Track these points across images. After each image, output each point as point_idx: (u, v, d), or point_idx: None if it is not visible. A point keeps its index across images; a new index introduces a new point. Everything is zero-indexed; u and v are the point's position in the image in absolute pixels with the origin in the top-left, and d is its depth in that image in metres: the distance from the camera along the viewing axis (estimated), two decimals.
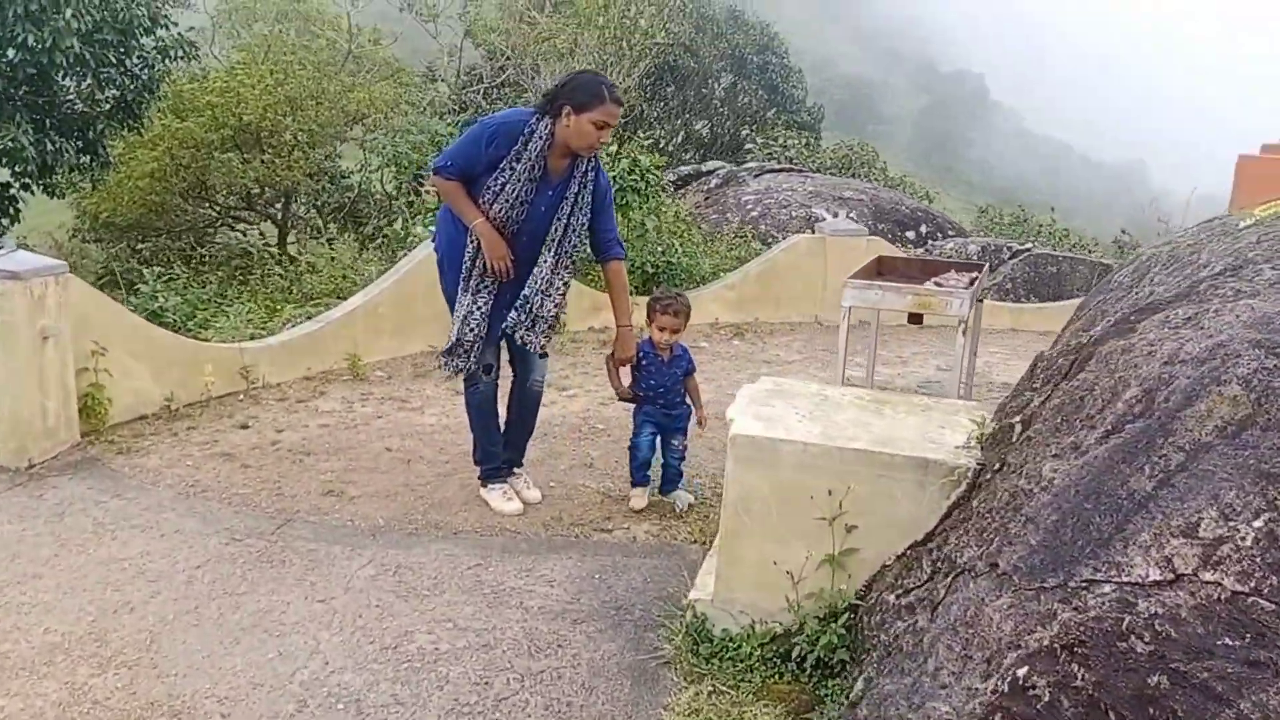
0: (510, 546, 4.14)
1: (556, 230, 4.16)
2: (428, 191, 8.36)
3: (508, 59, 14.72)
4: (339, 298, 7.47)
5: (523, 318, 4.21)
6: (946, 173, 53.63)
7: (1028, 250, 9.49)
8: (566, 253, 4.25)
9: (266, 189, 12.89)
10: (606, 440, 5.53)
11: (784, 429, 3.20)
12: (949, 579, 2.81)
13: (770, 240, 10.08)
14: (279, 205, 13.45)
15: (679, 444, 4.53)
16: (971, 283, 4.16)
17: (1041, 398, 2.86)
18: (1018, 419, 2.91)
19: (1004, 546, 2.51)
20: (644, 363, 4.44)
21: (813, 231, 8.79)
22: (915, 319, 4.17)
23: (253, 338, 6.52)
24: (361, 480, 4.80)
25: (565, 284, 4.33)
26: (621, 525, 4.41)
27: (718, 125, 23.17)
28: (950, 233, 11.13)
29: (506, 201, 4.05)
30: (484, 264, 4.10)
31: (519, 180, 4.00)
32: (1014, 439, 2.87)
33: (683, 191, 13.67)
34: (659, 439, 4.53)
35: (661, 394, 4.45)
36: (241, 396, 5.89)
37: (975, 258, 9.49)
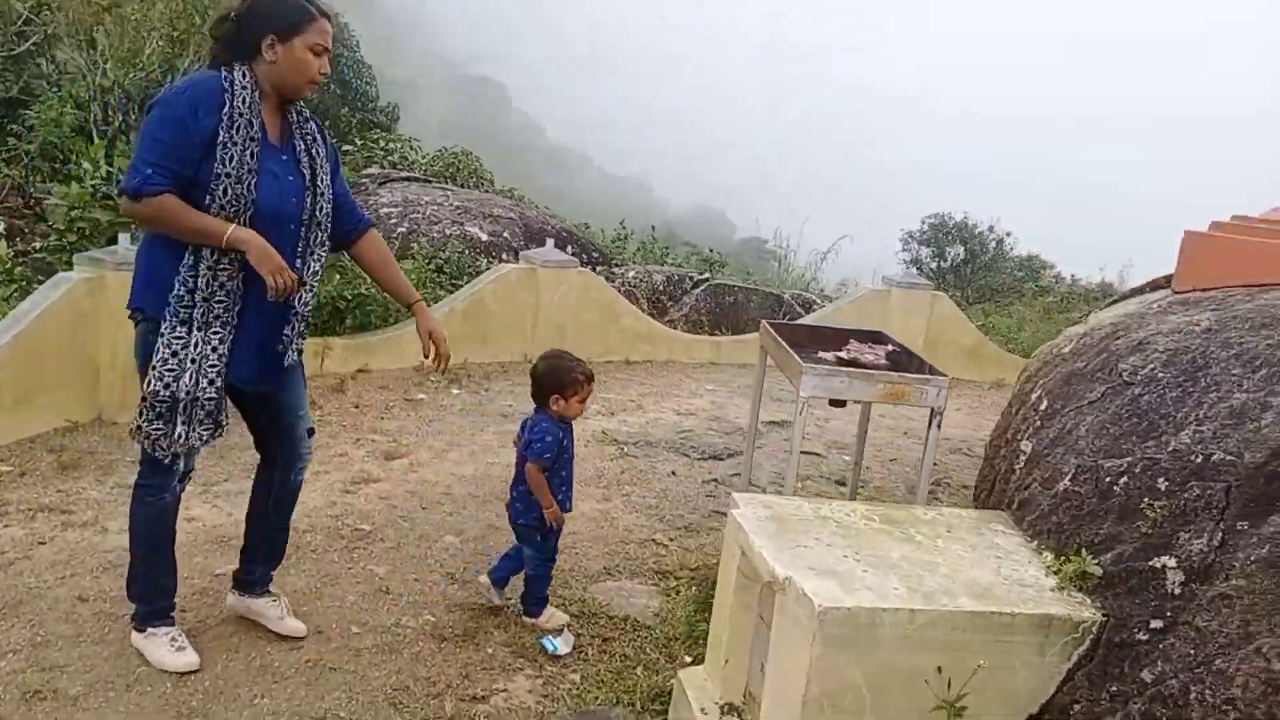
0: None
1: (305, 205, 3.09)
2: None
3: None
4: None
5: (292, 334, 3.14)
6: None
7: (707, 280, 9.36)
8: (324, 229, 3.17)
9: None
10: (384, 546, 4.27)
11: (872, 592, 2.41)
12: None
13: (433, 260, 8.95)
14: None
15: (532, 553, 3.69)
16: (889, 355, 3.66)
17: (1211, 539, 2.36)
18: (1167, 561, 2.40)
19: None
20: (566, 443, 3.62)
21: (516, 260, 7.87)
22: (838, 403, 3.58)
23: None
24: (69, 661, 3.16)
25: (317, 271, 3.22)
26: (494, 687, 3.30)
27: None
28: (594, 254, 10.77)
29: (248, 186, 2.91)
30: (216, 291, 2.93)
31: (246, 151, 2.91)
32: (1170, 590, 2.35)
33: None
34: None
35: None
36: None
37: (660, 287, 9.18)
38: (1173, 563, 2.38)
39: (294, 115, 3.10)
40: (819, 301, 9.94)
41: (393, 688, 3.23)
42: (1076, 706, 2.41)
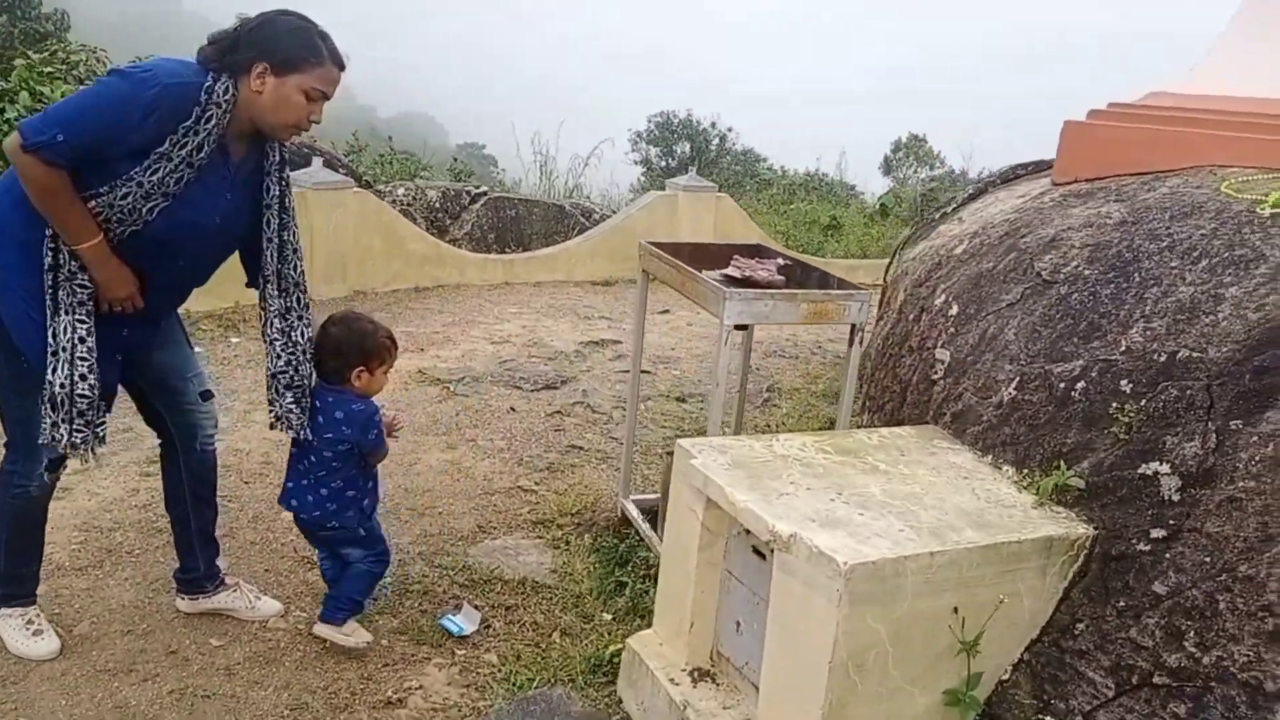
0: None
1: (270, 256, 2.74)
2: None
3: None
4: None
5: (279, 391, 2.82)
6: None
7: (485, 194, 8.76)
8: (296, 284, 2.81)
9: None
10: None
11: (885, 539, 2.20)
12: (1141, 690, 2.20)
13: None
14: None
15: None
16: (782, 270, 3.43)
17: (1205, 441, 2.32)
18: (1159, 468, 2.34)
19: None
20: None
21: None
22: (741, 327, 3.31)
23: None
24: None
25: (307, 337, 2.85)
26: (405, 685, 2.87)
27: None
28: (343, 172, 9.91)
29: (148, 209, 2.49)
30: (77, 273, 2.52)
31: (173, 175, 2.48)
32: (1167, 497, 2.31)
33: None
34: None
35: None
36: None
37: (436, 204, 8.49)
38: (1165, 468, 2.33)
39: (273, 152, 2.68)
40: (599, 210, 9.64)
41: (288, 707, 2.73)
42: (1080, 624, 2.34)
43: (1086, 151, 3.42)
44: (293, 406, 2.79)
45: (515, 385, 5.52)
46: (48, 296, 2.50)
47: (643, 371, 5.87)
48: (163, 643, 2.97)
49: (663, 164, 25.35)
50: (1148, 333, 2.60)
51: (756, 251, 3.61)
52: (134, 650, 2.93)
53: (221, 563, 3.20)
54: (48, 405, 2.55)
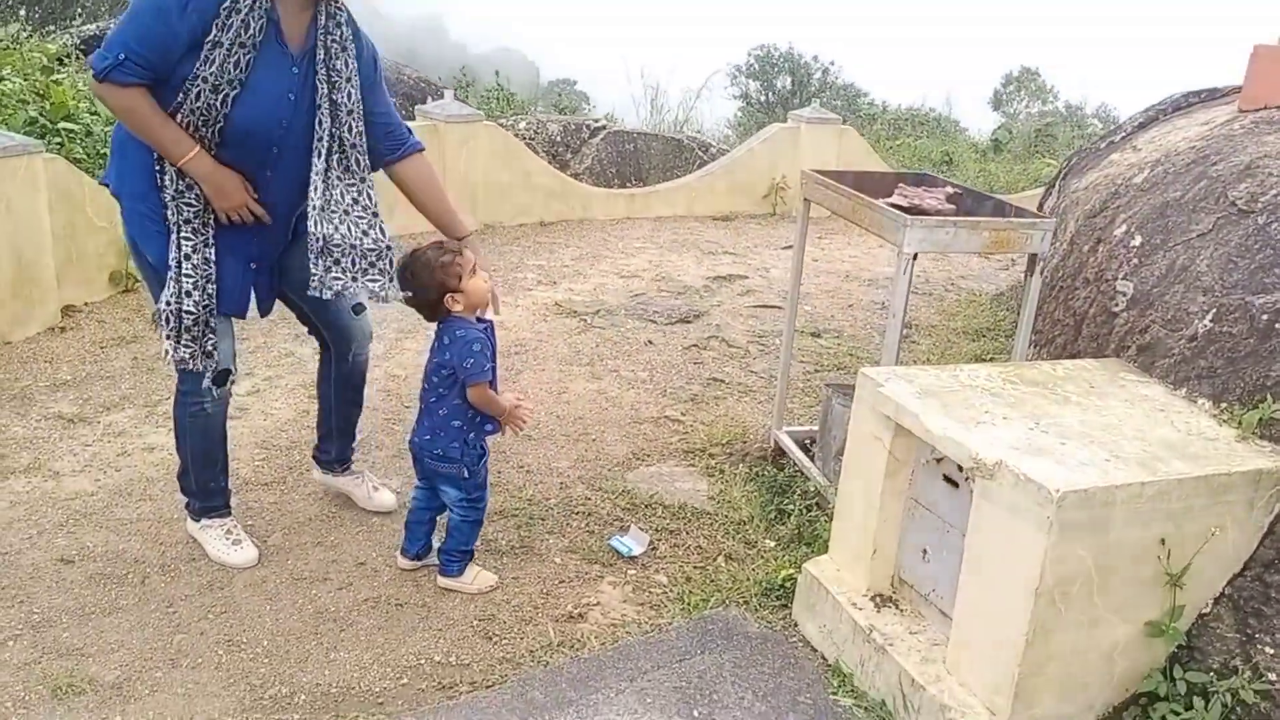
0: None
1: (322, 124, 2.73)
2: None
3: None
4: None
5: (314, 260, 2.78)
6: None
7: (604, 128, 8.76)
8: (349, 153, 2.81)
9: None
10: (384, 455, 3.79)
11: (1093, 468, 2.18)
12: None
13: None
14: None
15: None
16: (951, 198, 3.37)
17: None
18: None
19: None
20: (491, 346, 2.89)
21: (413, 118, 7.05)
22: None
23: None
24: (86, 642, 2.62)
25: (367, 197, 2.85)
26: (583, 601, 2.97)
27: None
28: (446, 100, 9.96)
29: (223, 99, 2.58)
30: (181, 192, 2.67)
31: (233, 57, 2.56)
32: None
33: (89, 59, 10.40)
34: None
35: None
36: None
37: (558, 138, 8.52)
38: None
39: (323, 18, 2.68)
40: (715, 144, 9.56)
41: (477, 618, 2.85)
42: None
43: (1277, 78, 3.26)
44: (331, 268, 2.78)
45: (649, 319, 5.56)
46: (171, 222, 2.68)
47: (775, 307, 5.87)
48: (352, 554, 3.12)
49: (762, 98, 24.90)
50: None
51: (921, 180, 3.54)
52: (326, 560, 3.08)
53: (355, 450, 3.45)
54: (161, 321, 2.72)
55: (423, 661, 2.65)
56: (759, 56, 25.45)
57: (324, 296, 2.81)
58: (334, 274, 2.79)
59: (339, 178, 2.79)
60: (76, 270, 4.98)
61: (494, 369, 2.87)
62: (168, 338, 2.76)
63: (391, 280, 2.87)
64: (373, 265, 2.85)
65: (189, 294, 2.71)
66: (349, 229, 2.80)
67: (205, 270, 2.72)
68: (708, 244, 7.43)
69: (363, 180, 2.84)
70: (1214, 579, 2.34)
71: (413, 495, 3.07)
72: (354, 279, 2.83)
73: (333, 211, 2.76)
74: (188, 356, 2.77)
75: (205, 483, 3.06)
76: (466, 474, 2.91)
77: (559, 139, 8.48)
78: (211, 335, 2.79)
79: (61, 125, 5.50)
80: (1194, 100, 4.05)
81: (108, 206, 5.09)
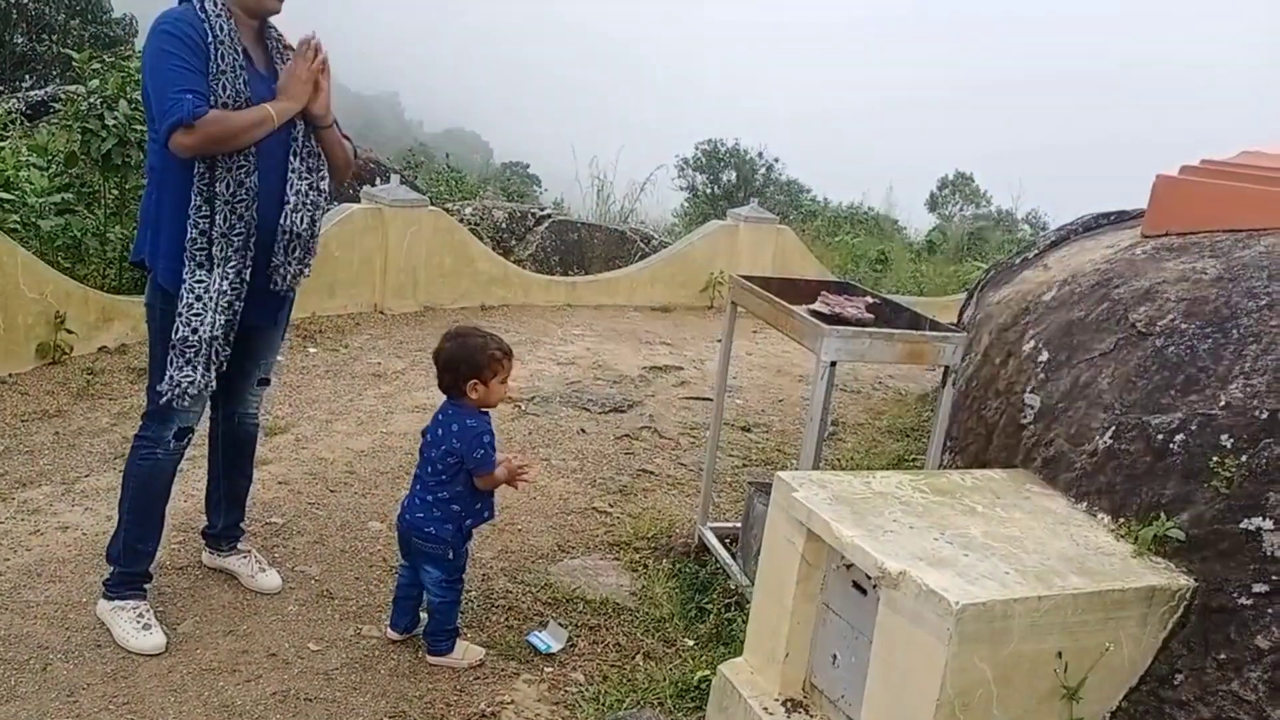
0: None
1: (297, 125, 2.99)
2: None
3: None
4: None
5: (280, 252, 3.01)
6: None
7: (549, 217, 8.91)
8: (315, 153, 3.06)
9: None
10: (306, 541, 3.76)
11: (993, 581, 2.26)
12: None
13: None
14: None
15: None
16: (871, 308, 3.50)
17: None
18: (1261, 524, 2.38)
19: None
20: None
21: (358, 200, 7.12)
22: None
23: None
24: None
25: (323, 178, 3.08)
26: (496, 699, 2.95)
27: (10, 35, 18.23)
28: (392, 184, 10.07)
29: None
30: (235, 224, 2.86)
31: (238, 79, 2.84)
32: (1270, 553, 2.34)
33: (36, 124, 10.34)
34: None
35: None
36: None
37: (503, 224, 8.64)
38: (1269, 524, 2.37)
39: (272, 41, 3.01)
40: (658, 236, 9.75)
41: (387, 715, 2.82)
42: (1179, 675, 2.38)
43: (1178, 205, 3.47)
44: (288, 263, 3.03)
45: (583, 407, 5.61)
46: (200, 260, 2.83)
47: (707, 399, 5.96)
48: (264, 644, 3.07)
49: (708, 191, 25.46)
50: (1248, 389, 2.64)
51: (844, 289, 3.68)
52: (236, 650, 3.03)
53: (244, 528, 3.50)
54: (199, 356, 2.85)
55: None
56: (705, 151, 26.10)
57: (279, 288, 3.03)
58: (293, 266, 3.03)
59: (309, 170, 3.01)
60: (4, 341, 4.91)
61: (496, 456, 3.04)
62: (184, 367, 2.85)
63: (305, 270, 3.12)
64: (309, 248, 3.08)
65: (216, 319, 2.85)
66: (306, 221, 3.02)
67: (241, 291, 2.90)
68: (645, 334, 7.55)
69: (320, 160, 3.06)
70: (1110, 693, 2.41)
71: (399, 573, 3.18)
72: (301, 271, 3.08)
73: (300, 204, 2.99)
74: (200, 378, 2.87)
75: (133, 544, 3.06)
76: (451, 555, 3.02)
77: (504, 225, 8.61)
78: (224, 354, 2.92)
79: None
80: (1103, 222, 4.27)
81: (40, 277, 5.05)
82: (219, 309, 2.85)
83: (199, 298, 2.83)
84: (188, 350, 2.85)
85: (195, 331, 2.84)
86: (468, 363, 2.95)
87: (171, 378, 2.86)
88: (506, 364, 3.01)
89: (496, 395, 3.02)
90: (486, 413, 3.04)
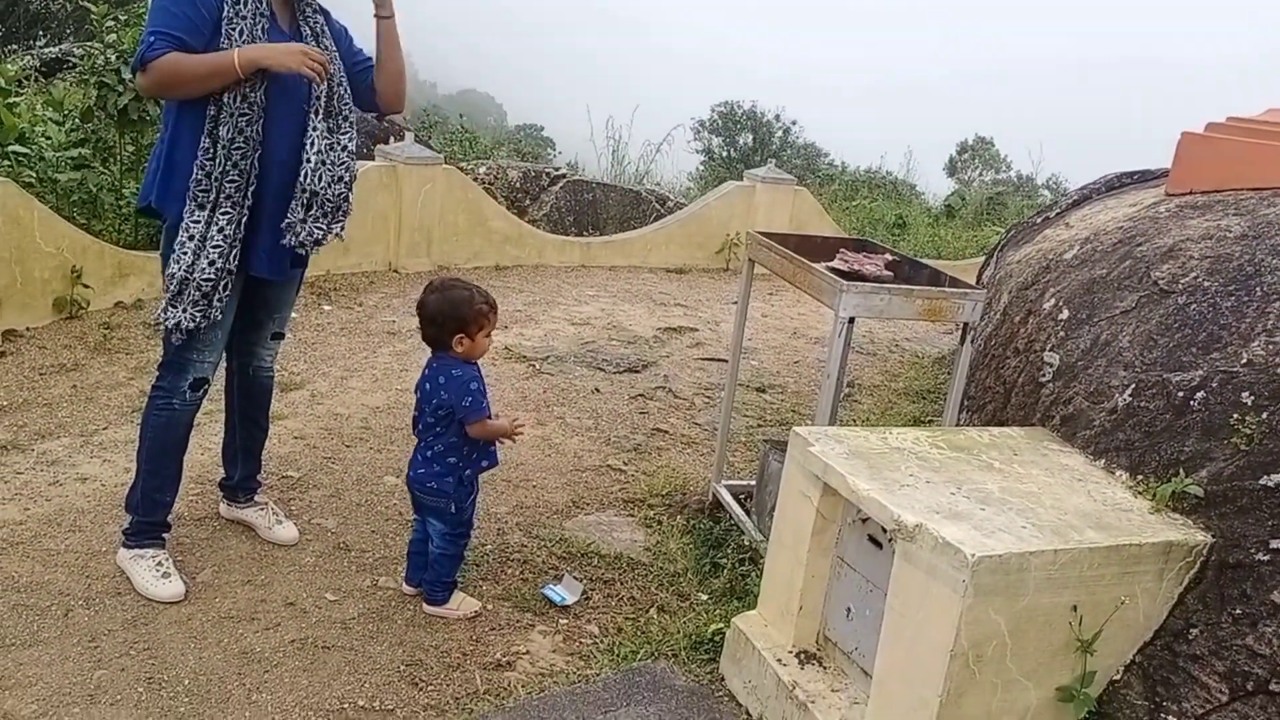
0: None
1: (318, 91, 2.95)
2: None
3: None
4: None
5: (299, 208, 2.95)
6: None
7: (564, 176, 8.86)
8: (342, 114, 3.03)
9: None
10: (322, 495, 3.78)
11: (1009, 535, 2.25)
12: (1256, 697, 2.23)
13: None
14: None
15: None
16: (890, 266, 3.47)
17: None
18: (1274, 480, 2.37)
19: None
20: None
21: (372, 158, 7.09)
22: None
23: None
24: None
25: (350, 138, 3.05)
26: (512, 650, 2.97)
27: None
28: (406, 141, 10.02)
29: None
30: (229, 170, 2.81)
31: (257, 25, 2.84)
32: None
33: (50, 81, 10.31)
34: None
35: None
36: None
37: (517, 184, 8.61)
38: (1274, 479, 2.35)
39: (300, 4, 2.97)
40: (673, 198, 9.70)
41: (404, 663, 2.84)
42: (1194, 630, 2.38)
43: (1203, 164, 3.42)
44: (306, 218, 2.95)
45: (598, 367, 5.61)
46: (200, 201, 2.82)
47: (722, 360, 5.95)
48: (281, 594, 3.10)
49: (724, 154, 25.26)
50: (1270, 346, 2.61)
51: (862, 246, 3.65)
52: (254, 599, 3.06)
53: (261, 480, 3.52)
54: (171, 289, 2.83)
55: (346, 706, 2.64)
56: (722, 113, 25.85)
57: (295, 244, 2.95)
58: (309, 225, 2.95)
59: (331, 130, 2.98)
60: (21, 295, 4.93)
61: (488, 403, 3.00)
62: (172, 305, 2.83)
63: (340, 229, 3.07)
64: (338, 209, 3.02)
65: (213, 263, 2.81)
66: (326, 180, 2.96)
67: (235, 237, 2.85)
68: (660, 296, 7.52)
69: (348, 122, 3.03)
70: (1124, 647, 2.41)
71: (413, 527, 3.20)
72: (328, 229, 3.00)
73: (320, 163, 2.93)
74: (186, 318, 2.84)
75: (151, 494, 3.08)
76: (454, 509, 3.03)
77: (519, 185, 8.57)
78: (221, 300, 2.88)
79: (13, 149, 5.46)
80: (1126, 181, 4.22)
81: (57, 232, 5.06)
82: (209, 253, 2.82)
83: (192, 237, 2.81)
84: (180, 286, 2.83)
85: (185, 269, 2.81)
86: (453, 317, 2.92)
87: (166, 311, 2.86)
88: (492, 317, 2.98)
89: (481, 348, 2.99)
90: (474, 363, 3.02)
